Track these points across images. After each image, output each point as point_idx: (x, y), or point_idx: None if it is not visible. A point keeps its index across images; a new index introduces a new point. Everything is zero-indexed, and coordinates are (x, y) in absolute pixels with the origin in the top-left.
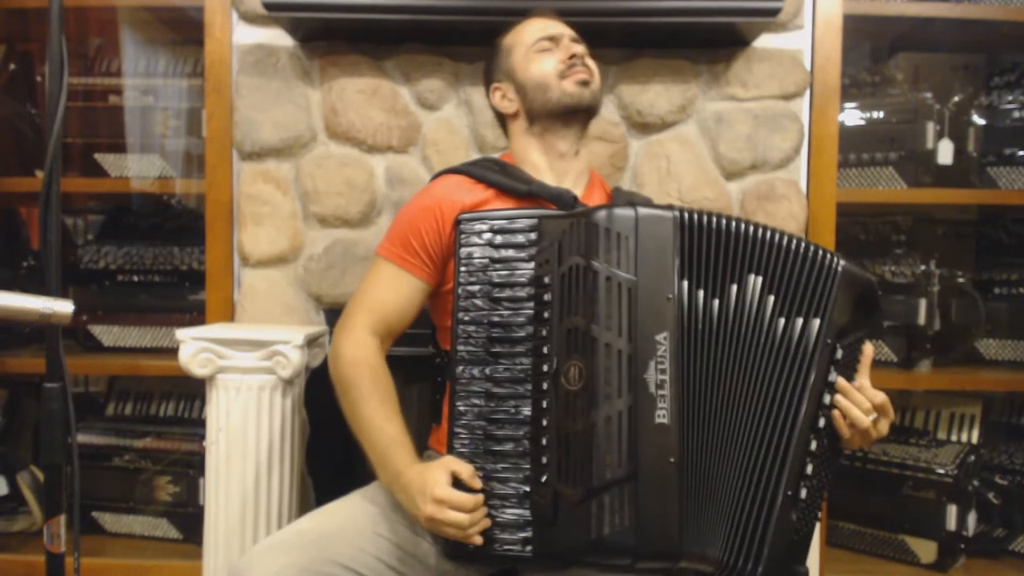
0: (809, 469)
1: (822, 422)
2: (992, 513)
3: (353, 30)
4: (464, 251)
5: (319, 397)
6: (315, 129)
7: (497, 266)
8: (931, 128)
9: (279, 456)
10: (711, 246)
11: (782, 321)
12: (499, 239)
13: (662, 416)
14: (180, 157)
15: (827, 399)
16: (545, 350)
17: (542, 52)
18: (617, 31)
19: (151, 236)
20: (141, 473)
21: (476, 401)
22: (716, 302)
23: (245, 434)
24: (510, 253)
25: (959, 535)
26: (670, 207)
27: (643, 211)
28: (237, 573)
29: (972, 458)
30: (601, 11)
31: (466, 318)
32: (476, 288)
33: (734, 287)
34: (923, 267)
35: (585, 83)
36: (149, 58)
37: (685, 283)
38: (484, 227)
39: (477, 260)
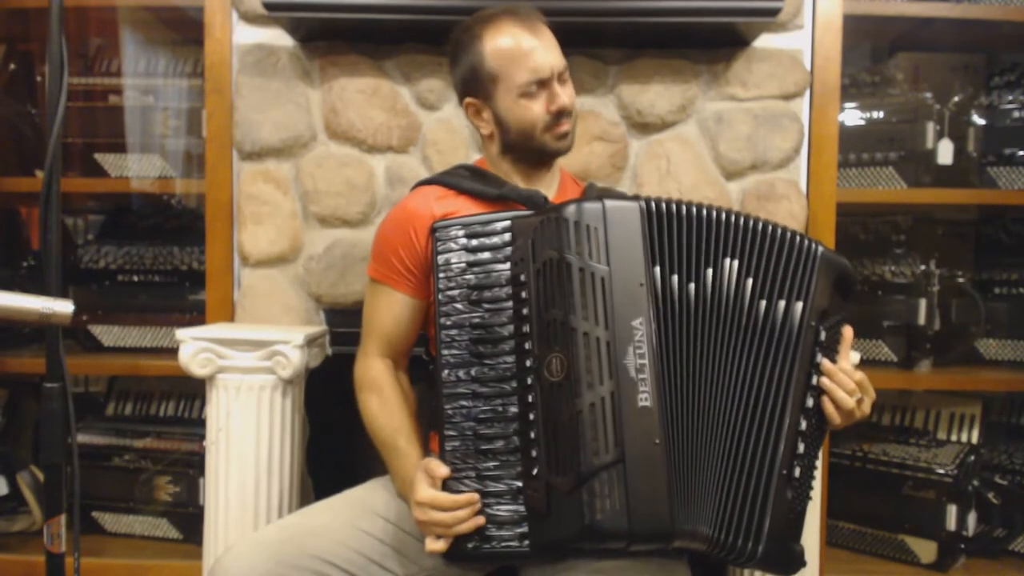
0: (801, 448)
1: (810, 402)
2: (992, 513)
3: (353, 30)
4: (441, 258)
5: (319, 397)
6: (315, 129)
7: (475, 269)
8: (931, 128)
9: (279, 456)
10: (681, 232)
11: (763, 304)
12: (474, 243)
13: (644, 399)
14: (180, 157)
15: (814, 380)
16: (527, 346)
17: (529, 97)
18: (617, 31)
19: (151, 236)
20: (141, 473)
21: (464, 403)
22: (692, 286)
23: (245, 434)
24: (486, 256)
25: (959, 535)
26: (636, 197)
27: (610, 203)
28: (216, 568)
29: (972, 458)
30: (601, 11)
31: (448, 323)
32: (456, 292)
33: (709, 271)
34: (923, 267)
35: (566, 135)
36: (149, 58)
37: (657, 269)
38: (459, 232)
39: (455, 265)
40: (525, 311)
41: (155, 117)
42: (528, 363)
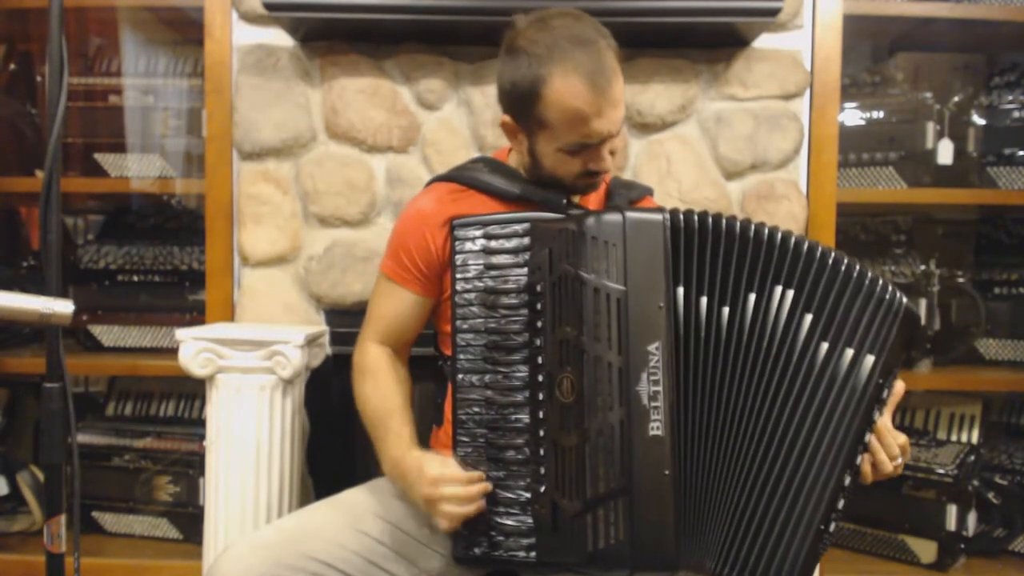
0: (841, 504)
1: (859, 460)
2: (992, 513)
3: (353, 30)
4: (459, 258)
5: (319, 397)
6: (315, 129)
7: (492, 272)
8: (931, 128)
9: (279, 456)
10: (717, 250)
11: (824, 346)
12: (493, 244)
13: (656, 428)
14: (180, 157)
15: (867, 437)
16: (540, 360)
17: (571, 154)
18: (617, 31)
19: (151, 236)
20: (141, 473)
21: (477, 409)
22: (726, 310)
23: (245, 434)
24: (504, 259)
25: (959, 535)
26: (661, 209)
27: (631, 216)
28: (213, 569)
29: (972, 458)
30: (601, 11)
31: (464, 326)
32: (472, 296)
33: (752, 296)
34: (923, 267)
35: (597, 184)
36: (149, 58)
37: (681, 289)
38: (478, 233)
39: (472, 266)
40: (539, 323)
41: (155, 117)
42: (540, 378)
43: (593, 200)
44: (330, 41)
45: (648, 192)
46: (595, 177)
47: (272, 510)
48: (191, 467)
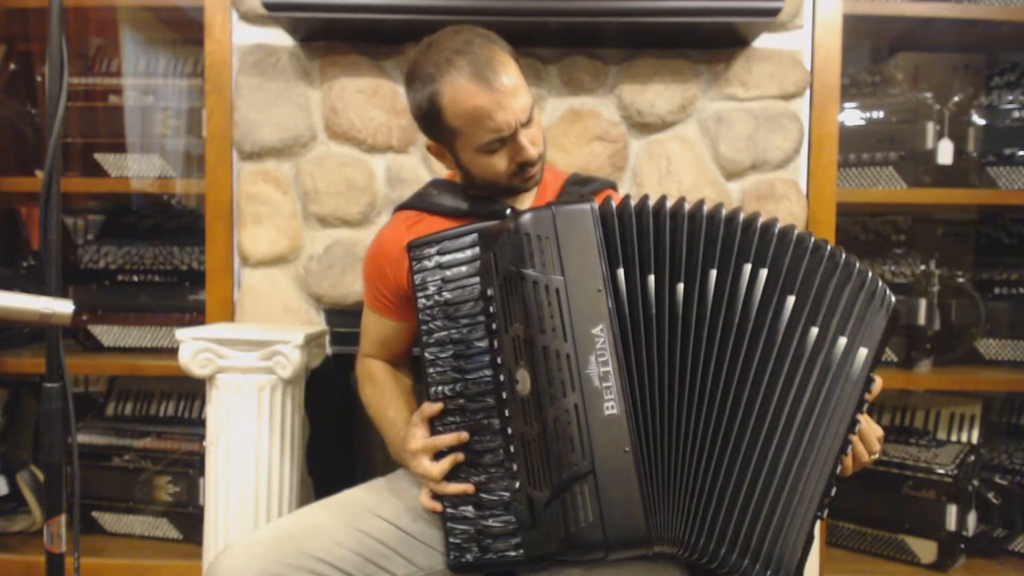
0: (833, 491)
1: (848, 448)
2: (992, 513)
3: (353, 30)
4: (418, 277)
5: (319, 397)
6: (315, 129)
7: (449, 285)
8: (931, 128)
9: (279, 456)
10: (661, 230)
11: (814, 331)
12: (447, 258)
13: (611, 408)
14: (180, 157)
15: (856, 428)
16: (499, 360)
17: (491, 153)
18: (617, 31)
19: (151, 236)
20: (141, 473)
21: (451, 419)
22: (681, 286)
23: (245, 434)
24: (459, 270)
25: (959, 535)
26: (589, 199)
27: (559, 209)
28: (212, 568)
29: (972, 458)
30: (601, 11)
31: (431, 340)
32: (435, 310)
33: (713, 272)
34: (923, 267)
35: (533, 176)
36: (149, 58)
37: (621, 271)
38: (432, 250)
39: (431, 283)
40: (494, 325)
41: (155, 117)
42: (501, 378)
43: (547, 200)
44: (330, 41)
45: (608, 185)
46: (529, 170)
47: (272, 510)
48: (191, 467)
